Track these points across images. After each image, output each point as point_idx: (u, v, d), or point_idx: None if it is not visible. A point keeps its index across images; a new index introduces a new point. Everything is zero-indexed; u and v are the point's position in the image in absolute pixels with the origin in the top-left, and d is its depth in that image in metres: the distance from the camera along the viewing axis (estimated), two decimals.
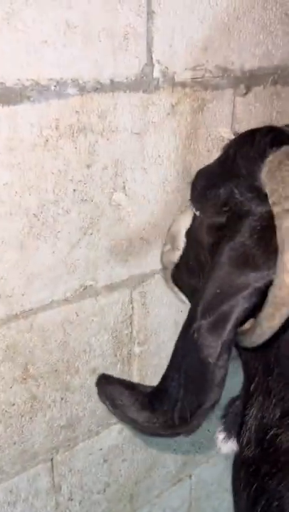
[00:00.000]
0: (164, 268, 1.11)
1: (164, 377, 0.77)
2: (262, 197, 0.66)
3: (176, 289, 1.08)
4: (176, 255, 0.99)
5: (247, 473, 0.79)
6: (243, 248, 0.67)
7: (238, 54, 1.02)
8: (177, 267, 1.01)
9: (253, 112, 1.12)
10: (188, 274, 0.94)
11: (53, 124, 0.81)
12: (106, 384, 0.90)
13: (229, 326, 0.65)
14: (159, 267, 1.13)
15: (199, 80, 0.99)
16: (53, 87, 0.78)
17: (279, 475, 0.70)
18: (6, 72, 0.72)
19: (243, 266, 0.66)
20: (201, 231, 0.85)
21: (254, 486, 0.75)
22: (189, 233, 0.95)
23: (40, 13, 0.71)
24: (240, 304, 0.64)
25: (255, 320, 0.67)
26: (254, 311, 0.66)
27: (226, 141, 0.93)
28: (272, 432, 0.70)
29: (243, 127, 1.09)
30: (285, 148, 0.65)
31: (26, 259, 0.87)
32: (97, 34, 0.79)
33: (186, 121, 1.01)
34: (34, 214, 0.85)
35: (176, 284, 1.05)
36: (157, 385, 0.79)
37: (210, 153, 1.06)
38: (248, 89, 1.08)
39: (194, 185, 0.90)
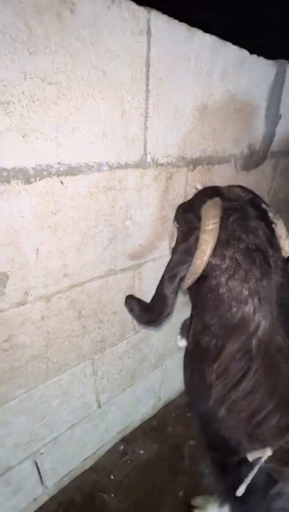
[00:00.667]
0: None
1: (151, 301, 0.78)
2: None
3: None
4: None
5: (188, 358, 0.78)
6: (188, 245, 0.67)
7: (190, 150, 0.97)
8: None
9: (196, 179, 1.05)
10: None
11: (95, 185, 0.77)
12: (129, 298, 0.94)
13: (177, 280, 0.68)
14: (149, 258, 1.06)
15: (170, 162, 0.93)
16: (95, 166, 0.75)
17: (202, 359, 0.68)
18: (71, 157, 0.69)
19: (186, 254, 0.67)
20: (175, 231, 0.81)
21: (191, 365, 0.75)
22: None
23: (88, 127, 0.69)
24: (183, 270, 0.67)
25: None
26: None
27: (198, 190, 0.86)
28: (198, 337, 0.70)
29: (192, 187, 1.03)
30: (214, 199, 0.64)
31: (80, 256, 0.84)
32: (119, 138, 0.76)
33: (163, 184, 0.95)
34: (85, 232, 0.81)
35: None
36: (148, 303, 0.81)
37: (174, 200, 1.01)
38: (194, 167, 1.01)
39: (177, 211, 0.86)
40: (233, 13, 1.28)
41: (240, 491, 0.62)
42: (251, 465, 0.61)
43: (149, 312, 0.77)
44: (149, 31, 0.69)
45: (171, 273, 0.68)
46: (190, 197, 0.89)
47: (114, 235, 0.90)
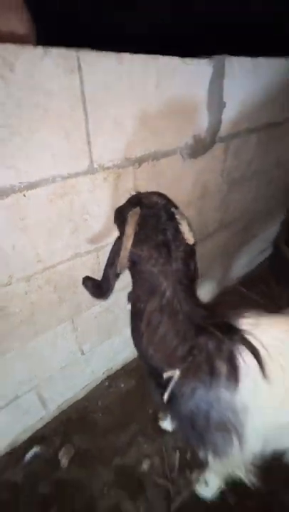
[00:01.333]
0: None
1: (100, 280, 1.00)
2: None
3: None
4: None
5: (131, 318, 1.00)
6: (120, 239, 0.89)
7: (133, 151, 1.13)
8: None
9: (143, 174, 1.22)
10: None
11: (52, 193, 0.98)
12: (85, 279, 1.07)
13: (114, 266, 0.91)
14: (109, 241, 1.23)
15: (116, 165, 1.11)
16: (50, 179, 0.95)
17: (137, 317, 0.93)
18: (29, 176, 0.91)
19: (118, 248, 0.88)
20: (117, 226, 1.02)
21: (133, 323, 0.99)
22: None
23: (40, 152, 0.89)
24: (117, 259, 0.90)
25: None
26: None
27: (132, 193, 1.02)
28: (135, 303, 0.93)
29: (140, 182, 1.23)
30: (136, 209, 0.86)
31: (49, 246, 1.08)
32: (67, 156, 0.95)
33: (112, 184, 1.14)
34: (50, 229, 1.04)
35: None
36: (99, 281, 1.02)
37: (125, 194, 1.11)
38: (140, 165, 1.18)
39: (114, 215, 1.05)
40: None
41: (165, 398, 0.97)
42: (169, 381, 0.96)
43: (99, 289, 1.01)
44: (80, 67, 0.85)
45: (110, 261, 0.93)
46: (139, 189, 1.11)
47: (75, 228, 1.14)
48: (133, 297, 0.97)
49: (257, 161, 1.91)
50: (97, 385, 1.89)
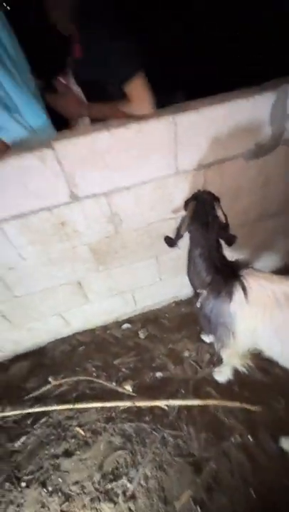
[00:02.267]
0: None
1: (174, 237, 1.65)
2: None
3: None
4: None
5: (188, 258, 1.90)
6: (184, 218, 1.70)
7: (204, 160, 1.83)
8: None
9: (211, 174, 1.93)
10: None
11: (153, 188, 1.86)
12: (166, 237, 1.65)
13: (181, 231, 1.65)
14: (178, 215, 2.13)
15: (192, 169, 1.82)
16: (154, 180, 1.83)
17: (191, 257, 1.82)
18: None
19: (183, 221, 1.71)
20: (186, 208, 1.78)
21: (189, 260, 1.85)
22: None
23: None
24: (182, 226, 1.69)
25: None
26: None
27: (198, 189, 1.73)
28: (191, 250, 1.78)
29: (208, 179, 1.95)
30: (192, 203, 1.64)
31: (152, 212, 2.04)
32: (165, 164, 1.79)
33: (189, 180, 1.89)
34: (152, 204, 1.97)
35: None
36: (172, 238, 1.62)
37: (193, 191, 1.96)
38: (209, 167, 1.89)
39: (184, 203, 1.87)
40: None
41: (198, 304, 1.84)
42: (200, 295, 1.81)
43: (171, 242, 1.53)
44: (175, 123, 1.60)
45: (178, 227, 1.64)
46: (207, 184, 1.84)
47: (166, 205, 2.00)
48: (189, 249, 1.79)
49: None
50: (167, 304, 2.93)
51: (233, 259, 1.70)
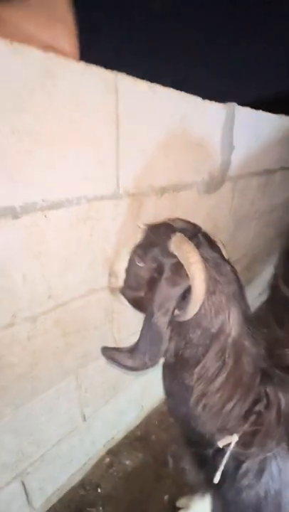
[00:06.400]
0: (113, 290, 1.00)
1: (137, 343, 0.73)
2: (172, 255, 0.71)
3: (122, 298, 0.96)
4: (119, 282, 0.91)
5: (167, 370, 0.83)
6: (169, 277, 0.69)
7: (157, 180, 1.09)
8: (123, 287, 0.91)
9: (165, 204, 1.17)
10: (131, 290, 0.87)
11: (75, 216, 0.86)
12: (105, 350, 0.84)
13: (169, 313, 0.67)
14: None
15: (140, 192, 1.04)
16: (74, 200, 0.84)
17: (183, 368, 0.74)
18: (54, 195, 0.79)
19: (171, 284, 0.68)
20: (139, 270, 0.81)
21: (172, 374, 0.80)
22: (129, 270, 0.87)
23: (69, 171, 0.80)
24: (174, 302, 0.67)
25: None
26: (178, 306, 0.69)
27: (142, 227, 0.88)
28: (180, 352, 0.73)
29: (161, 211, 1.16)
30: (178, 234, 0.71)
31: (63, 279, 0.92)
32: (95, 178, 0.87)
33: (135, 210, 1.06)
34: (66, 258, 0.89)
35: (124, 295, 0.94)
36: (133, 347, 0.75)
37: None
38: (162, 194, 1.14)
39: (136, 252, 0.84)
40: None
41: (217, 477, 0.72)
42: (223, 453, 0.72)
43: (138, 356, 0.72)
44: (116, 90, 0.83)
45: (163, 309, 0.68)
46: (159, 220, 1.02)
47: (93, 258, 0.99)
48: (178, 345, 0.76)
49: (257, 202, 1.97)
50: (96, 464, 1.49)
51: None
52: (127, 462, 1.53)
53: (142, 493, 1.41)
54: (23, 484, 1.12)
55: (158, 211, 1.16)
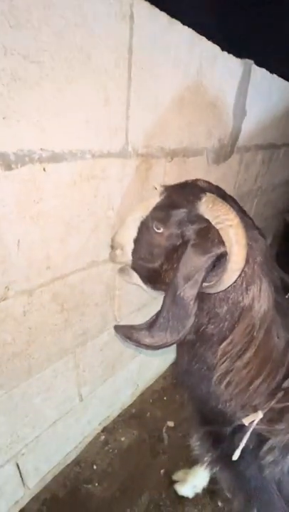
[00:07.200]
0: (117, 263, 0.90)
1: (156, 319, 0.63)
2: (200, 219, 0.61)
3: (126, 275, 0.88)
4: (127, 256, 0.80)
5: (185, 348, 0.74)
6: (197, 244, 0.60)
7: (168, 141, 0.98)
8: (133, 260, 0.79)
9: (174, 170, 1.07)
10: (143, 262, 0.76)
11: (78, 173, 0.75)
12: (119, 328, 0.69)
13: (198, 285, 0.58)
14: None
15: (149, 153, 0.94)
16: (78, 154, 0.72)
17: (204, 345, 0.68)
18: (54, 143, 0.66)
19: (201, 252, 0.58)
20: (156, 238, 0.70)
21: (191, 352, 0.72)
22: (140, 240, 0.76)
23: (72, 113, 0.67)
24: (204, 272, 0.58)
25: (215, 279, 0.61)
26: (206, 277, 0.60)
27: (159, 188, 0.75)
28: (202, 327, 0.66)
29: (170, 178, 1.05)
30: (209, 194, 0.62)
31: (64, 247, 0.81)
32: (102, 126, 0.74)
33: (143, 173, 0.95)
34: (67, 222, 0.78)
35: (134, 269, 0.83)
36: (151, 323, 0.65)
37: (152, 189, 0.92)
38: (172, 158, 1.03)
39: (156, 213, 0.71)
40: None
41: (236, 454, 0.67)
42: (244, 430, 0.66)
43: (157, 333, 0.61)
44: (131, 17, 0.68)
45: (191, 281, 0.58)
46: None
47: (96, 225, 0.88)
48: (201, 320, 0.67)
49: (260, 179, 1.89)
50: (91, 442, 1.46)
51: None
52: (122, 439, 1.51)
53: (137, 468, 1.40)
54: (18, 466, 1.05)
55: (166, 178, 1.05)
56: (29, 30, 0.53)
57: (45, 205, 0.71)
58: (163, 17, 0.76)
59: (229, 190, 1.37)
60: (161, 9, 0.74)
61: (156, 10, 0.73)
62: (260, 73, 1.31)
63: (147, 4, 0.71)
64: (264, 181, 1.97)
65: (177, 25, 0.80)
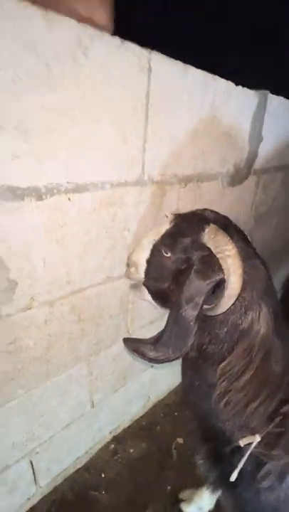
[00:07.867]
0: (131, 279, 0.95)
1: (161, 335, 0.68)
2: (203, 247, 0.67)
3: (138, 291, 0.93)
4: (140, 274, 0.85)
5: (188, 364, 0.79)
6: (200, 270, 0.64)
7: (182, 168, 1.04)
8: (145, 279, 0.85)
9: (188, 195, 1.13)
10: (153, 281, 0.81)
11: (98, 201, 0.84)
12: (127, 340, 0.78)
13: (199, 307, 0.63)
14: None
15: (164, 180, 1.01)
16: (99, 184, 0.82)
17: (205, 363, 0.71)
18: (79, 177, 0.76)
19: (202, 277, 0.63)
20: (165, 261, 0.75)
21: (193, 369, 0.76)
22: (152, 261, 0.81)
23: (95, 152, 0.77)
24: (204, 295, 0.63)
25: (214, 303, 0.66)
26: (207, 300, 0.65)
27: (170, 216, 0.82)
28: (203, 347, 0.70)
29: (184, 202, 1.12)
30: (212, 225, 0.67)
31: (82, 265, 0.89)
32: (121, 160, 0.84)
33: (158, 199, 1.03)
34: (86, 243, 0.87)
35: (145, 287, 0.88)
36: (156, 339, 0.70)
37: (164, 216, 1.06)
38: (186, 184, 1.10)
39: (165, 240, 0.77)
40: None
41: (234, 476, 0.69)
42: (242, 451, 0.69)
43: (161, 348, 0.67)
44: (149, 68, 0.79)
45: (192, 301, 0.63)
46: (181, 211, 0.97)
47: (113, 245, 0.97)
48: (202, 340, 0.73)
49: (279, 199, 1.89)
50: (101, 449, 1.51)
51: None
52: (131, 450, 1.54)
53: (144, 481, 1.42)
54: (31, 463, 1.14)
55: (180, 202, 1.12)
56: (63, 91, 0.65)
57: (68, 229, 0.81)
58: (177, 65, 0.86)
59: (246, 212, 1.42)
60: (177, 58, 0.84)
61: (172, 60, 0.83)
62: (276, 100, 1.36)
63: (164, 56, 0.81)
64: (283, 202, 1.97)
65: (191, 69, 0.90)
